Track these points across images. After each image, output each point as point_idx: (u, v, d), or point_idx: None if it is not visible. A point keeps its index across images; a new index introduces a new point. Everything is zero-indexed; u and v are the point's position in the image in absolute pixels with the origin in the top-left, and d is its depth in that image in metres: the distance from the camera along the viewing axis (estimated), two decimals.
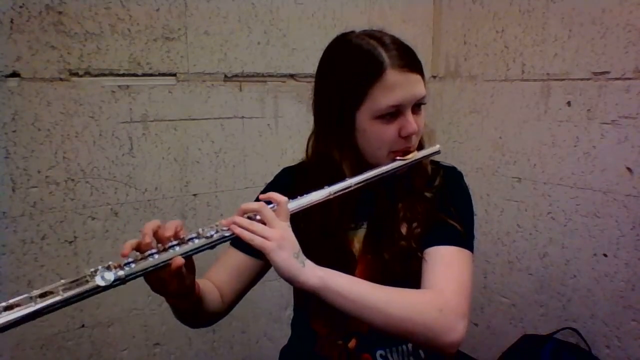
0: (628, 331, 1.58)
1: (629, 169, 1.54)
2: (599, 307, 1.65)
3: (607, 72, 1.56)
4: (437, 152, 0.98)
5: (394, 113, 0.89)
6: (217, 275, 1.00)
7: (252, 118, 1.70)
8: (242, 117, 1.68)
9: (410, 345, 0.98)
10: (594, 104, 1.61)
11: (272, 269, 0.83)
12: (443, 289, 0.85)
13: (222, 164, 1.66)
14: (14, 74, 1.29)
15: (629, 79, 1.51)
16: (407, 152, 0.93)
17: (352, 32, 0.95)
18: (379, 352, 0.97)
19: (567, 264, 1.73)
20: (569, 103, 1.68)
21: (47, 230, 1.38)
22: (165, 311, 1.53)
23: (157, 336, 1.60)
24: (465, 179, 1.04)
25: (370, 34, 0.93)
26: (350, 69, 0.90)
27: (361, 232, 1.00)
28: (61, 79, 1.35)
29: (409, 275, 0.92)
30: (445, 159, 1.06)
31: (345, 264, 0.95)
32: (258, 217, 0.80)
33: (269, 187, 1.10)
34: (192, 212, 1.62)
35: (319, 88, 0.97)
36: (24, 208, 1.34)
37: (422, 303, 0.83)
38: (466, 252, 0.92)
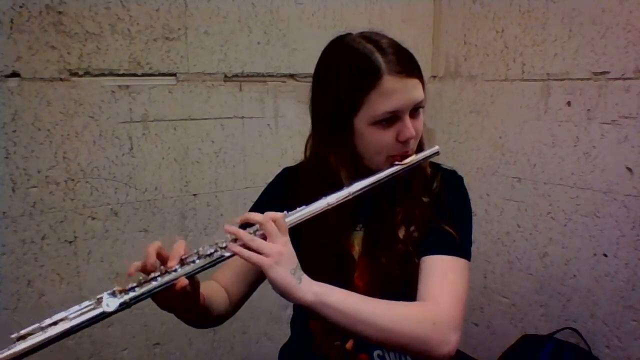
0: (628, 331, 1.58)
1: (629, 169, 1.54)
2: (599, 307, 1.65)
3: (607, 72, 1.56)
4: (437, 154, 0.97)
5: (391, 118, 0.88)
6: (223, 277, 1.01)
7: (252, 118, 1.70)
8: (242, 117, 1.68)
9: None
10: (594, 104, 1.61)
11: None
12: (438, 301, 0.85)
13: (222, 164, 1.66)
14: (14, 74, 1.28)
15: (629, 79, 1.51)
16: (405, 156, 0.92)
17: (350, 34, 0.94)
18: (376, 352, 0.98)
19: (567, 264, 1.73)
20: (569, 103, 1.68)
21: (47, 230, 1.38)
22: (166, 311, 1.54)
23: (157, 336, 1.59)
24: (465, 180, 1.04)
25: (368, 37, 0.91)
26: (347, 75, 0.89)
27: (361, 234, 1.00)
28: (61, 79, 1.35)
29: (407, 278, 0.92)
30: (445, 159, 1.05)
31: (344, 267, 0.96)
32: (259, 232, 0.80)
33: (270, 187, 1.10)
34: (192, 212, 1.62)
35: (316, 91, 0.97)
36: (24, 208, 1.34)
37: (415, 316, 0.83)
38: (462, 261, 0.92)
